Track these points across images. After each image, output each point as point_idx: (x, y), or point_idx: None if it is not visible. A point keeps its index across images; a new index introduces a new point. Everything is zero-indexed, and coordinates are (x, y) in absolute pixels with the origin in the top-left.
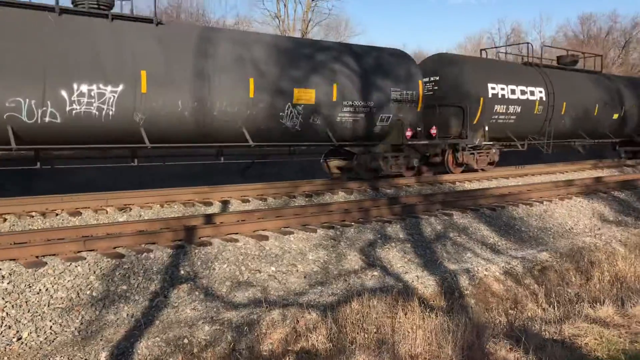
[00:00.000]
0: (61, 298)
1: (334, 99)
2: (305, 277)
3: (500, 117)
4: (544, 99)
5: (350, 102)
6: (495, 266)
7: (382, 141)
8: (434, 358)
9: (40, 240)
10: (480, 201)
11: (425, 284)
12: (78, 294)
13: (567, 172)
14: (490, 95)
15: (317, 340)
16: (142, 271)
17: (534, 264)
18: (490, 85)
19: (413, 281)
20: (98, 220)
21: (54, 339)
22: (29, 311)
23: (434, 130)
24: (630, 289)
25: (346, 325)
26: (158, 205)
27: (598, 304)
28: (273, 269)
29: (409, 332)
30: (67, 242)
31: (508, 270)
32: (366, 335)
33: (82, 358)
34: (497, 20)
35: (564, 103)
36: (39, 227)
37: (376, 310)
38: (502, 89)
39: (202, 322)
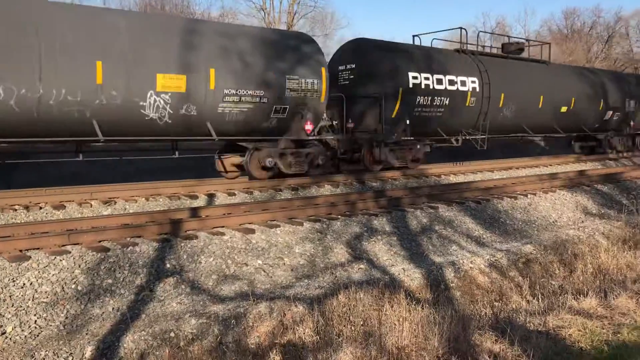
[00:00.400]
0: (46, 292)
1: (212, 86)
2: (292, 270)
3: (425, 109)
4: (478, 89)
5: (234, 91)
6: (481, 259)
7: (284, 136)
8: (421, 350)
9: (24, 234)
10: (465, 194)
11: (411, 276)
12: (63, 288)
13: (551, 165)
14: (411, 86)
15: (304, 333)
16: (127, 265)
17: (519, 256)
18: (411, 75)
19: (399, 274)
20: (82, 214)
21: (39, 333)
22: (12, 305)
23: (350, 124)
24: (612, 281)
25: (333, 318)
26: (143, 199)
27: (581, 295)
28: (260, 262)
29: (395, 324)
30: (51, 236)
31: (493, 262)
32: (353, 328)
33: (67, 352)
34: (482, 14)
35: (502, 94)
36: (23, 221)
37: (363, 303)
38: (426, 78)
39: (189, 316)
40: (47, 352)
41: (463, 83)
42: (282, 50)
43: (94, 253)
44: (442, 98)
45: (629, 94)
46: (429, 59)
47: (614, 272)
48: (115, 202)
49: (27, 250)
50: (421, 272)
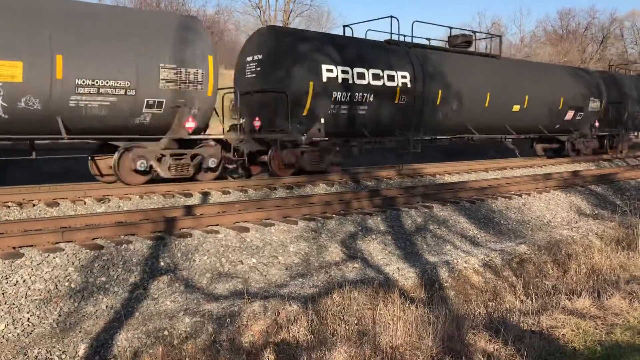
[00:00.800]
0: (39, 290)
1: (59, 76)
2: (286, 268)
3: (344, 107)
4: (409, 85)
5: (89, 82)
6: (475, 258)
7: (166, 135)
8: (415, 349)
9: (17, 231)
10: (460, 194)
11: (405, 276)
12: (56, 285)
13: (545, 165)
14: (325, 80)
15: (298, 332)
16: (121, 263)
17: (513, 256)
18: (325, 67)
19: (394, 273)
20: (76, 211)
21: (32, 331)
22: (5, 303)
23: (257, 123)
24: (606, 281)
25: (327, 317)
26: (137, 197)
27: (575, 295)
28: (254, 260)
29: (389, 323)
30: (44, 233)
31: (487, 262)
32: (347, 327)
33: (60, 350)
34: (477, 14)
35: (440, 91)
36: (16, 218)
37: (357, 302)
38: (345, 72)
39: (183, 314)
40: (40, 350)
41: (391, 78)
42: (156, 34)
43: (88, 251)
44: (365, 94)
45: (593, 92)
46: (349, 50)
47: (607, 273)
48: (109, 200)
49: (20, 247)
50: (415, 271)
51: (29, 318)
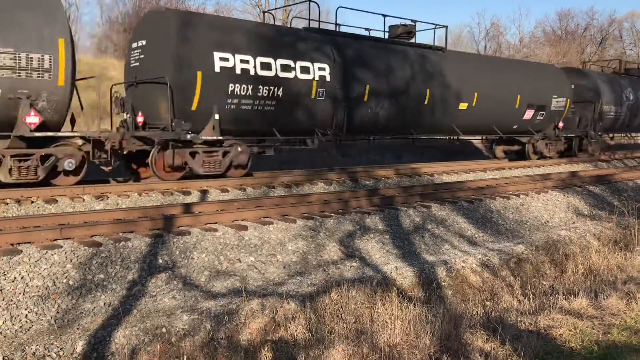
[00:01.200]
0: (37, 286)
1: None
2: (284, 267)
3: (246, 102)
4: (329, 79)
5: None
6: (473, 258)
7: (14, 131)
8: (412, 348)
9: (16, 227)
10: (458, 194)
11: (403, 275)
12: (54, 282)
13: (543, 166)
14: (217, 70)
15: (296, 330)
16: (119, 260)
17: (510, 256)
18: (219, 55)
19: (392, 272)
20: (74, 208)
21: (30, 327)
22: (3, 299)
23: (140, 118)
24: (603, 282)
25: (325, 316)
26: (136, 194)
27: (572, 296)
28: (252, 259)
29: (387, 322)
30: (43, 230)
31: (485, 262)
32: (345, 325)
33: (58, 347)
34: (477, 14)
35: (367, 87)
36: (14, 215)
37: (355, 300)
38: (245, 61)
39: (181, 312)
40: (37, 347)
41: (305, 70)
42: None
43: (86, 248)
44: (272, 88)
45: (557, 89)
46: (251, 37)
47: (605, 273)
48: (108, 197)
49: (19, 244)
50: (413, 270)
51: (26, 315)
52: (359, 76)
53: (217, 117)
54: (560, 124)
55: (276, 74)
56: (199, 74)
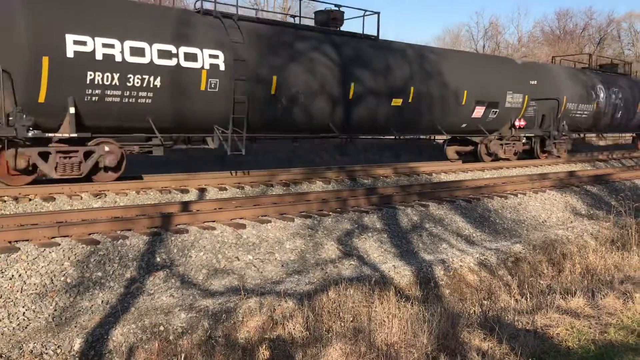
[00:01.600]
0: (35, 284)
1: None
2: (282, 265)
3: (112, 93)
4: (224, 68)
5: None
6: (470, 257)
7: None
8: (410, 347)
9: (13, 225)
10: (456, 193)
11: (401, 273)
12: (52, 280)
13: (542, 165)
14: (71, 55)
15: (293, 329)
16: (117, 258)
17: (508, 255)
18: (72, 38)
19: (389, 271)
20: (72, 206)
21: (27, 325)
22: (1, 297)
23: None
24: (600, 281)
25: (323, 314)
26: (134, 192)
27: (569, 295)
28: (250, 257)
29: (384, 321)
30: (40, 228)
31: (482, 261)
32: (342, 324)
33: (55, 345)
34: (475, 13)
35: (275, 77)
36: (12, 212)
37: (352, 299)
38: (108, 45)
39: (179, 310)
40: (35, 344)
41: (191, 57)
42: None
43: (84, 245)
44: (147, 77)
45: (511, 85)
46: (120, 17)
47: (602, 273)
48: (106, 195)
49: (16, 241)
50: (411, 269)
51: (24, 312)
52: (265, 65)
53: (72, 110)
54: (521, 123)
55: (151, 60)
56: (45, 59)
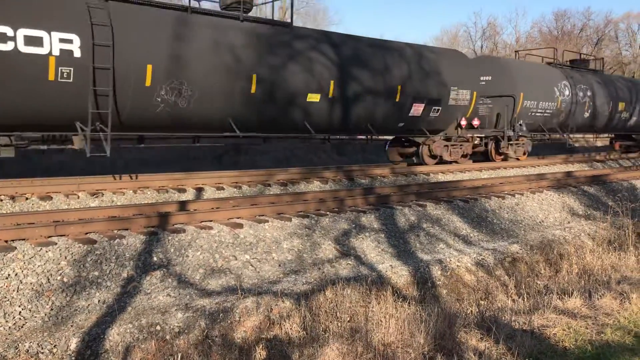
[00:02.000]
0: (31, 283)
1: None
2: (279, 265)
3: None
4: (79, 55)
5: None
6: (467, 257)
7: None
8: (407, 346)
9: (10, 224)
10: (453, 193)
11: (398, 273)
12: (48, 279)
13: (539, 165)
14: None
15: (290, 329)
16: (114, 257)
17: (505, 255)
18: None
19: (386, 271)
20: (69, 205)
21: (23, 324)
22: None
23: None
24: (597, 282)
25: (320, 314)
26: (131, 191)
27: (566, 295)
28: (247, 257)
29: (382, 321)
30: (37, 227)
31: (479, 261)
32: (339, 324)
33: (51, 344)
34: (473, 14)
35: (150, 67)
36: (8, 211)
37: (350, 299)
38: None
39: (175, 309)
40: (31, 344)
41: (34, 41)
42: None
43: (81, 245)
44: None
45: (457, 81)
46: None
47: (599, 273)
48: (103, 194)
49: (13, 240)
50: (408, 269)
51: (20, 311)
52: (137, 53)
53: None
54: (475, 122)
55: None
56: None
